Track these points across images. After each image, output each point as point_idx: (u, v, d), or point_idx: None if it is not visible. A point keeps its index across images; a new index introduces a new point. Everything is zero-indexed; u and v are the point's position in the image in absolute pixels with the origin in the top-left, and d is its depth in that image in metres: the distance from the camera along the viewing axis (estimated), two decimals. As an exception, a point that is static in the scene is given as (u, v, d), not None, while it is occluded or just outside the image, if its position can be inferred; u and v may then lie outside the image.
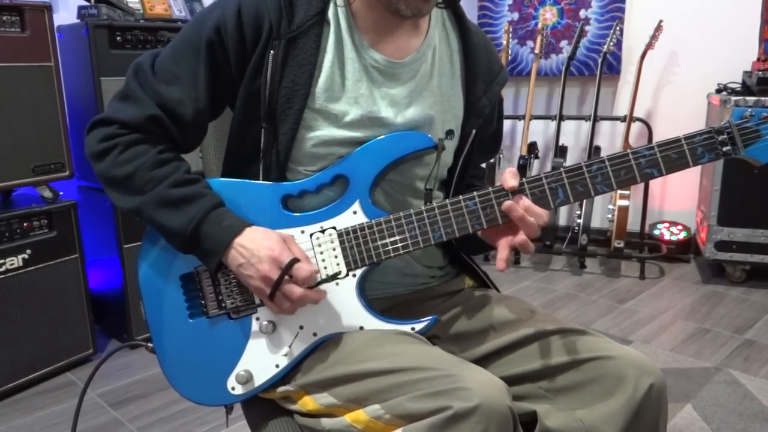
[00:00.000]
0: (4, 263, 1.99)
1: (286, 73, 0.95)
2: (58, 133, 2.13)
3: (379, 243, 0.95)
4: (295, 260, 0.89)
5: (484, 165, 1.22)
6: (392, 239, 0.94)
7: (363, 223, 0.95)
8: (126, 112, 0.96)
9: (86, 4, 2.28)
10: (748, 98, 2.71)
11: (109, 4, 2.25)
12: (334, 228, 0.95)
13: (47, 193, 2.15)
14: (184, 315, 0.98)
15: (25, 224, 2.05)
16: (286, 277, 0.89)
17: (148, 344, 1.01)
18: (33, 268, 2.07)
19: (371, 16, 0.99)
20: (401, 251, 0.94)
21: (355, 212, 0.96)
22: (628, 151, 0.91)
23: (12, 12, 1.97)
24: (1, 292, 1.99)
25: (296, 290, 0.90)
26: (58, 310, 2.14)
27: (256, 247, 0.90)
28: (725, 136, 0.90)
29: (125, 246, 2.28)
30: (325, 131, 0.97)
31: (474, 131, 1.04)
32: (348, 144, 0.97)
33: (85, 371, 2.20)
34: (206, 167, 1.19)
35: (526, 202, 0.91)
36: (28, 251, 2.05)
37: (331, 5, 0.98)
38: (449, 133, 1.03)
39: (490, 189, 0.93)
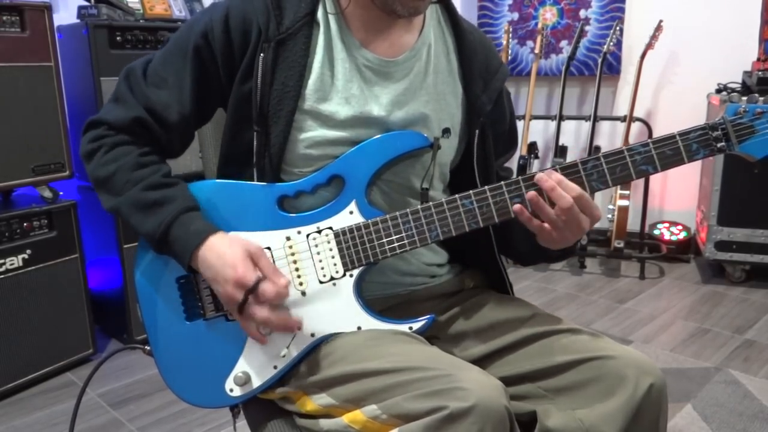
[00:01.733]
0: (4, 263, 1.99)
1: (276, 75, 0.95)
2: (58, 133, 2.13)
3: (375, 243, 0.94)
4: (259, 281, 0.88)
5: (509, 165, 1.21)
6: (389, 239, 0.94)
7: (360, 223, 0.95)
8: (113, 114, 0.98)
9: (86, 4, 2.28)
10: (743, 97, 2.70)
11: (109, 4, 2.25)
12: (330, 228, 0.95)
13: (47, 193, 2.15)
14: (181, 317, 0.98)
15: (25, 224, 2.05)
16: (251, 299, 0.88)
17: (146, 347, 1.01)
18: (33, 268, 2.07)
19: (364, 16, 0.99)
20: (398, 251, 0.94)
21: (351, 212, 0.95)
22: (623, 148, 0.91)
23: (12, 12, 1.97)
24: (1, 292, 1.99)
25: (259, 312, 0.89)
26: (58, 310, 2.14)
27: (221, 264, 0.89)
28: (719, 132, 0.90)
29: (125, 246, 2.28)
30: (317, 132, 0.97)
31: (477, 131, 1.04)
32: (341, 144, 0.97)
33: (85, 371, 2.20)
34: (206, 167, 1.19)
35: (557, 175, 0.90)
36: (28, 251, 2.05)
37: (320, 7, 0.98)
38: (445, 131, 1.02)
39: (486, 188, 0.93)
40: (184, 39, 0.98)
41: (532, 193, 0.90)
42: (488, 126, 1.06)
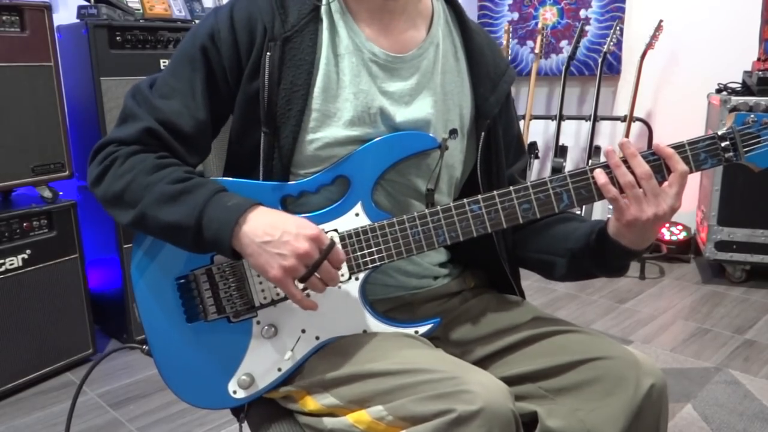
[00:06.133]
0: (3, 263, 1.99)
1: (284, 74, 0.94)
2: (58, 133, 2.13)
3: (382, 247, 0.93)
4: (334, 242, 0.87)
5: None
6: (395, 243, 0.93)
7: (365, 226, 0.94)
8: (122, 131, 0.95)
9: (86, 3, 2.27)
10: (749, 98, 2.70)
11: (108, 3, 2.24)
12: (335, 230, 0.94)
13: (47, 193, 2.14)
14: (181, 319, 0.96)
15: (24, 224, 2.04)
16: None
17: (144, 347, 1.00)
18: (33, 268, 2.06)
19: (365, 6, 0.98)
20: (405, 255, 0.93)
21: (357, 214, 0.94)
22: None
23: (12, 12, 1.97)
24: (1, 292, 1.99)
25: (333, 272, 0.87)
26: (58, 310, 2.14)
27: (284, 223, 0.85)
28: (728, 142, 0.89)
29: (125, 246, 2.28)
30: (327, 132, 0.95)
31: (483, 133, 1.02)
32: (350, 144, 0.96)
33: (85, 371, 2.20)
34: (206, 167, 1.18)
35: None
36: (28, 251, 2.05)
37: (324, 2, 0.97)
38: (452, 132, 1.01)
39: (495, 192, 0.92)
40: (189, 45, 0.96)
41: (600, 170, 0.89)
42: (499, 131, 1.05)
